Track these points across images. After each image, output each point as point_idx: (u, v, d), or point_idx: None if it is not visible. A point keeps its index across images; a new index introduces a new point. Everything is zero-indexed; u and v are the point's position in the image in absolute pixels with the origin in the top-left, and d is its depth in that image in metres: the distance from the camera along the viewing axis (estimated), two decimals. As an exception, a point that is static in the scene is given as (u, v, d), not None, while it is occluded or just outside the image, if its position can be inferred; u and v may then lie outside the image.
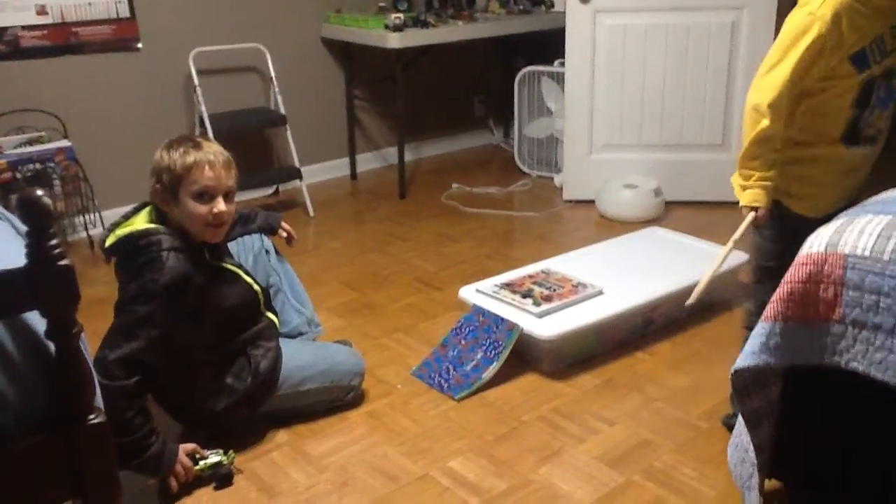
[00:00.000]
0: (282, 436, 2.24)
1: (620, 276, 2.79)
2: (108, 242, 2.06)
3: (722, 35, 3.71)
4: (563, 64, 4.00)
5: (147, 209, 2.12)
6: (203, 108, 3.85)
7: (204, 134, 3.83)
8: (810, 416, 1.70)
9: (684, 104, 3.84)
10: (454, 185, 4.35)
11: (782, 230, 1.94)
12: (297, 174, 4.06)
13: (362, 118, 4.67)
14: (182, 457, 2.02)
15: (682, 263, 2.89)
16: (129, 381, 1.92)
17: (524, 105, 4.52)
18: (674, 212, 3.81)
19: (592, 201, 3.93)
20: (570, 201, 4.05)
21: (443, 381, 2.46)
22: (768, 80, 1.85)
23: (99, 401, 1.47)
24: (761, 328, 1.58)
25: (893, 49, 1.86)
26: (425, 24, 4.08)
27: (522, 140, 4.58)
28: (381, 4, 4.34)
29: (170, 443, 2.02)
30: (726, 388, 2.19)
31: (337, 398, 2.34)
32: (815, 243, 1.55)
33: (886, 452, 1.63)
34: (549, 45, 4.27)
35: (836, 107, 1.87)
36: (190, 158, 2.05)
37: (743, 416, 1.65)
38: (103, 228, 3.50)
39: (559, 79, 4.17)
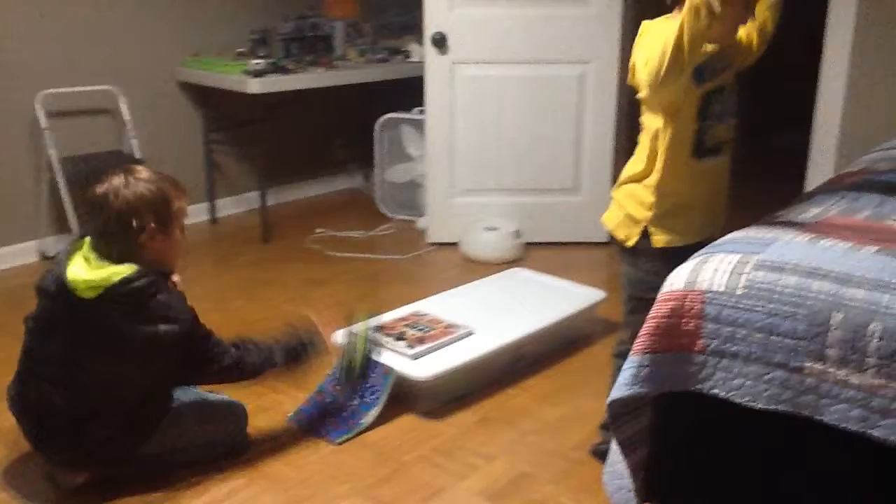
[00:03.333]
0: (158, 498, 2.15)
1: (489, 315, 2.89)
2: (95, 287, 1.94)
3: (570, 86, 3.96)
4: (422, 111, 4.12)
5: (116, 251, 1.99)
6: (52, 152, 3.67)
7: (53, 178, 3.68)
8: (685, 439, 1.84)
9: (539, 150, 4.04)
10: (318, 230, 4.35)
11: (656, 263, 2.07)
12: (155, 220, 3.92)
13: (222, 162, 4.60)
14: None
15: (546, 301, 3.04)
16: (231, 349, 2.18)
17: (385, 150, 4.61)
18: (533, 252, 3.98)
19: (456, 244, 4.04)
20: (434, 244, 4.15)
21: (321, 426, 2.46)
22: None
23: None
24: (632, 361, 1.71)
25: (725, 67, 2.03)
26: (285, 71, 4.11)
27: (384, 184, 4.66)
28: (240, 50, 4.31)
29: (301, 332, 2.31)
30: (595, 418, 2.34)
31: (223, 442, 2.30)
32: (676, 281, 1.70)
33: (756, 473, 1.79)
34: (409, 93, 4.38)
35: (683, 119, 2.00)
36: (172, 187, 2.04)
37: (619, 443, 1.76)
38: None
39: (419, 125, 4.29)
